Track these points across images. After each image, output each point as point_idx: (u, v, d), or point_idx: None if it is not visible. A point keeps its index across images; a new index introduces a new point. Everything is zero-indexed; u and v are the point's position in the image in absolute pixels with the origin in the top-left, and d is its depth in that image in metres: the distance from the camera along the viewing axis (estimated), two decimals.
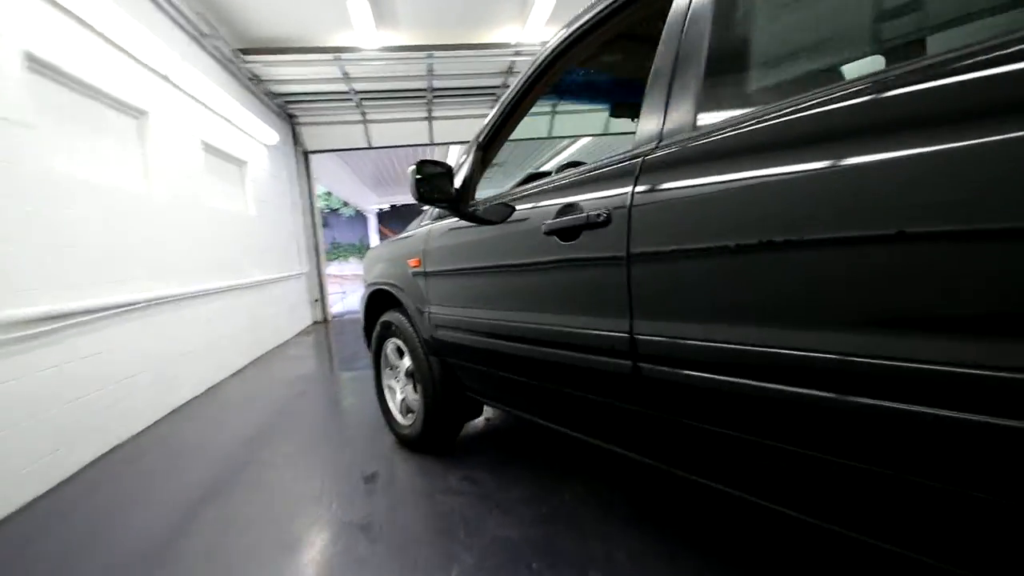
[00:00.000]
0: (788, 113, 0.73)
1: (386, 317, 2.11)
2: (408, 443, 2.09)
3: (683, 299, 0.87)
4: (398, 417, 2.15)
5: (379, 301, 2.21)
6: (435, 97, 6.12)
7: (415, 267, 1.82)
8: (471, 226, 1.52)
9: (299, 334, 5.85)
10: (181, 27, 3.63)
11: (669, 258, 0.88)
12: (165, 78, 3.35)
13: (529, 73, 1.43)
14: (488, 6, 4.42)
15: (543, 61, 1.39)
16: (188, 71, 3.55)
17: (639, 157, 0.97)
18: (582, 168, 1.18)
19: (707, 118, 0.89)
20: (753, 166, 0.76)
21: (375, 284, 2.17)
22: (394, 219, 20.44)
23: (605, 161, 1.09)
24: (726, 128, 0.82)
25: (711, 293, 0.82)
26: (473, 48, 4.89)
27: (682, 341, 0.87)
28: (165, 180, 3.21)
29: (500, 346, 1.40)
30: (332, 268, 18.04)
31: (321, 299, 6.97)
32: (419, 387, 1.92)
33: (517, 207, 1.36)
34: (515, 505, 1.57)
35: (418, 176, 1.47)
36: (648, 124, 1.00)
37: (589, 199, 1.07)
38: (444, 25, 4.63)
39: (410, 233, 1.99)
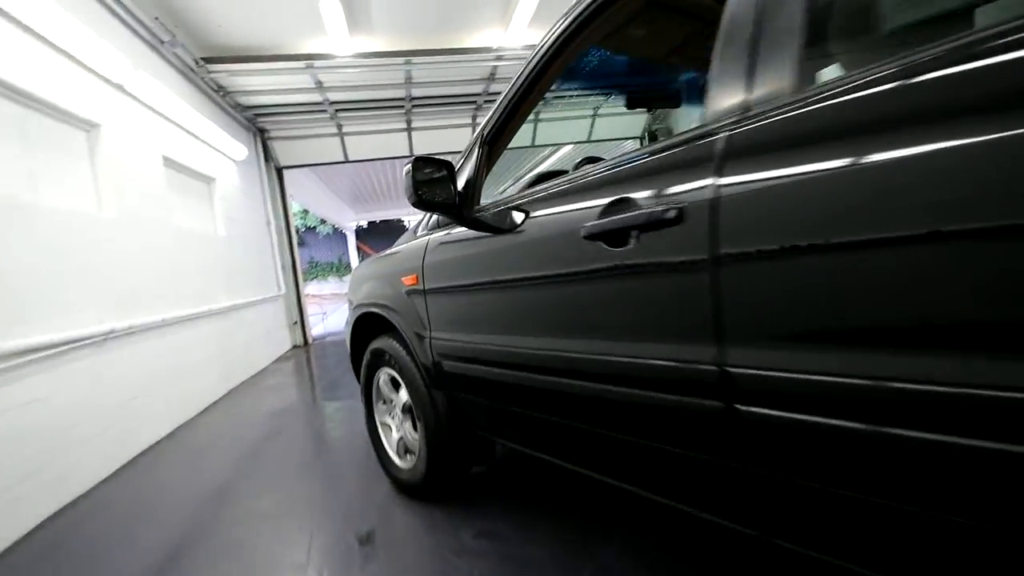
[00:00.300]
0: (954, 62, 0.51)
1: (377, 344, 1.83)
2: (408, 489, 1.80)
3: (811, 316, 0.63)
4: (395, 459, 1.86)
5: (368, 325, 1.94)
6: (414, 107, 5.88)
7: (411, 285, 1.56)
8: (481, 236, 1.27)
9: (277, 360, 5.48)
10: (136, 33, 3.33)
11: (787, 258, 0.64)
12: (119, 87, 3.05)
13: (542, 52, 1.19)
14: (468, 8, 4.22)
15: (559, 36, 1.15)
16: (145, 80, 3.25)
17: (719, 134, 0.74)
18: (626, 156, 0.94)
19: (821, 74, 0.67)
20: (907, 136, 0.53)
21: (363, 306, 1.90)
22: (373, 236, 20.05)
23: (661, 145, 0.86)
24: (854, 86, 0.59)
25: (861, 307, 0.58)
26: (453, 53, 4.67)
27: (808, 377, 0.63)
28: (120, 199, 2.88)
29: (528, 380, 1.15)
30: (310, 288, 17.56)
31: (300, 321, 6.60)
32: (420, 425, 1.64)
33: (533, 211, 1.13)
34: (549, 570, 1.30)
35: (415, 177, 1.23)
36: (724, 92, 0.76)
37: (648, 195, 0.83)
38: (422, 30, 4.41)
39: (402, 247, 1.73)
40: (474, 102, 5.98)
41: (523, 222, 1.14)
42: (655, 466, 0.95)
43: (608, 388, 0.93)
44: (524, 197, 1.19)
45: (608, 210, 0.90)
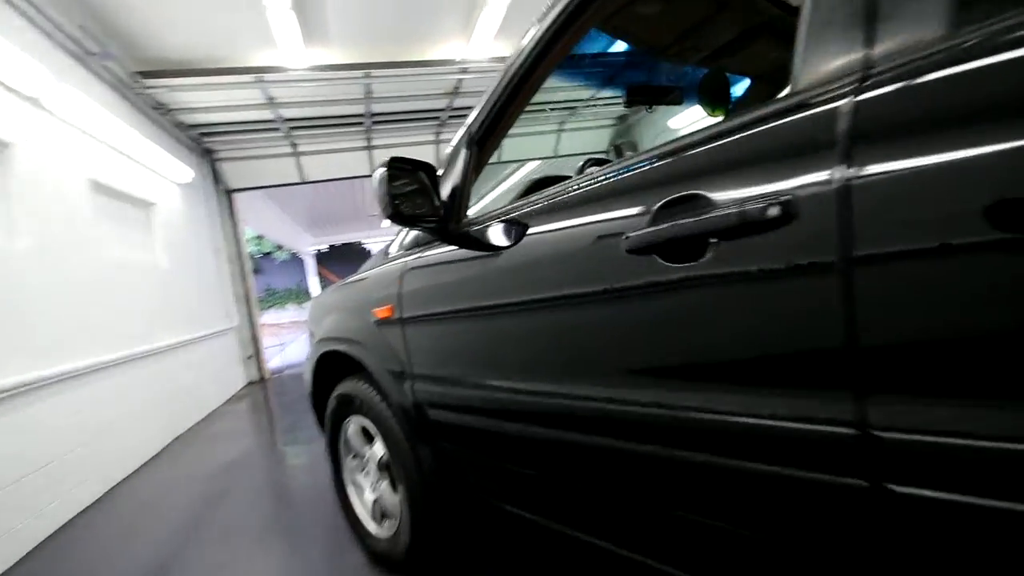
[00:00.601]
0: None
1: (343, 388, 1.54)
2: (385, 561, 1.50)
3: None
4: (370, 525, 1.55)
5: (333, 365, 1.64)
6: (374, 123, 5.62)
7: (385, 317, 1.30)
8: (475, 255, 1.03)
9: (229, 400, 4.99)
10: (59, 44, 2.96)
11: (980, 255, 0.42)
12: (34, 102, 2.66)
13: (543, 31, 0.98)
14: (429, 20, 4.03)
15: (562, 11, 0.94)
16: (67, 95, 2.88)
17: (836, 101, 0.52)
18: (676, 143, 0.71)
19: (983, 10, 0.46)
20: None
21: (326, 343, 1.61)
22: (334, 260, 19.40)
23: (733, 124, 0.63)
24: None
25: None
26: (414, 65, 4.46)
27: (1009, 446, 0.42)
28: (38, 228, 2.48)
29: (550, 436, 0.90)
30: (268, 316, 16.72)
31: (255, 355, 6.10)
32: (401, 486, 1.36)
33: (543, 223, 0.90)
34: None
35: (390, 183, 0.98)
36: (827, 47, 0.55)
37: (726, 191, 0.61)
38: (381, 41, 4.18)
39: (372, 271, 1.46)
40: (437, 118, 5.77)
41: (530, 236, 0.91)
42: (747, 561, 0.71)
43: (675, 453, 0.69)
44: (526, 206, 0.96)
45: (662, 214, 0.67)
